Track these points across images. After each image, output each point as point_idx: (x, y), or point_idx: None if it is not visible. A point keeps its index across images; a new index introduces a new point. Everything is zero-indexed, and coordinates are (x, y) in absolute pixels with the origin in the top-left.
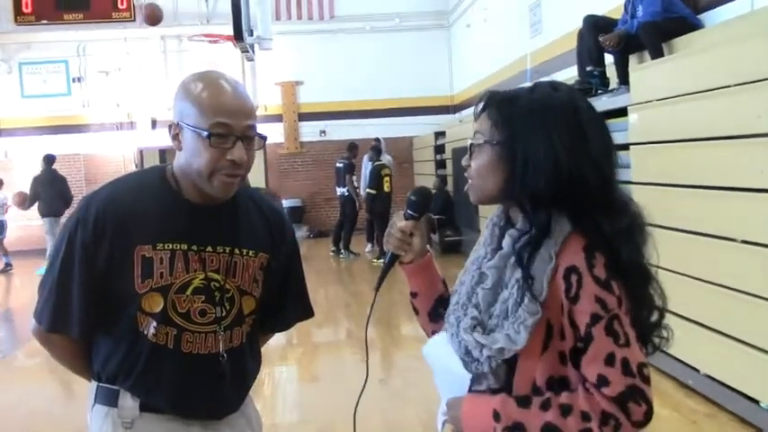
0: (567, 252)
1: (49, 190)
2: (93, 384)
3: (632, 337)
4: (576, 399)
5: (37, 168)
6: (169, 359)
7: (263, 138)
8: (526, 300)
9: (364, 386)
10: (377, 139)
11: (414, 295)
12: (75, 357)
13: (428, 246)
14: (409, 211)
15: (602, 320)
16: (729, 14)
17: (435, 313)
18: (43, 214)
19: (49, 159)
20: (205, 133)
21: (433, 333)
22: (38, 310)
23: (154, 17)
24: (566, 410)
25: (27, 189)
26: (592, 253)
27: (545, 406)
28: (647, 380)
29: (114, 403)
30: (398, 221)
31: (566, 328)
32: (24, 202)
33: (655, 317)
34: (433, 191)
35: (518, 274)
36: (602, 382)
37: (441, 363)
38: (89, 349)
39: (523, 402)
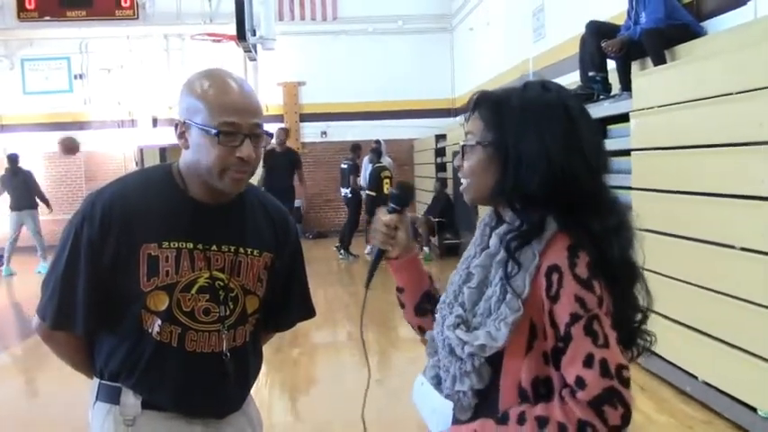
0: (551, 251)
1: (14, 184)
2: (96, 381)
3: (612, 338)
4: (553, 410)
5: (35, 166)
6: (173, 357)
7: (270, 135)
8: (508, 297)
9: (368, 386)
10: (377, 141)
11: (400, 290)
12: (78, 354)
13: (426, 243)
14: (392, 205)
15: (582, 320)
16: (732, 22)
17: (420, 308)
18: (12, 208)
19: (11, 158)
20: (214, 132)
21: (419, 327)
22: (41, 306)
23: (70, 150)
24: (542, 423)
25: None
26: (575, 252)
27: (521, 420)
28: (625, 382)
29: (116, 401)
30: (382, 216)
31: (547, 328)
32: None
33: (639, 317)
34: (433, 194)
35: (502, 272)
36: (580, 384)
37: (426, 405)
38: (92, 346)
39: (502, 420)
